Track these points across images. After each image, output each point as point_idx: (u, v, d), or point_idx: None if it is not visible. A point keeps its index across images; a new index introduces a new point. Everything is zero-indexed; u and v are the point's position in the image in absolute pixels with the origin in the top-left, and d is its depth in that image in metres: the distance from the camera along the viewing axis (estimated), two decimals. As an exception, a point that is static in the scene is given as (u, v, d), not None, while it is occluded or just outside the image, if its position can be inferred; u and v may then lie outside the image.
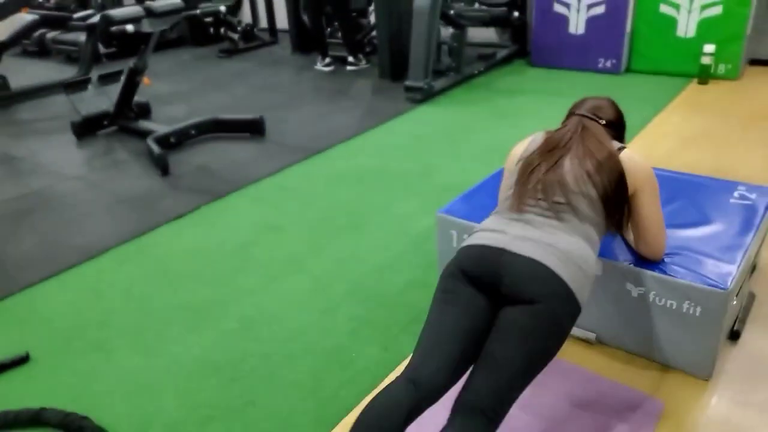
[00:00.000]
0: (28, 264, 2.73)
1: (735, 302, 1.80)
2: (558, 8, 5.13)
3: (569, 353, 1.97)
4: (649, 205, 1.73)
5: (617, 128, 1.86)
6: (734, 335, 2.01)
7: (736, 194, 2.20)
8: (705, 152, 3.38)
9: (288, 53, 6.49)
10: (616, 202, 1.66)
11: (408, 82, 4.61)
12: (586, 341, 2.02)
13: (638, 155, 1.73)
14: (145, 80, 4.05)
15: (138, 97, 4.49)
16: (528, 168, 1.69)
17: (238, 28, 6.71)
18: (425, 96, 4.58)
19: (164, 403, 1.88)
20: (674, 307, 1.81)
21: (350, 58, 5.71)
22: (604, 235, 1.69)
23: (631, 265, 1.84)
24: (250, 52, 6.67)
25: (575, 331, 2.03)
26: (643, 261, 1.85)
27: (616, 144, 1.73)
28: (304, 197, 3.21)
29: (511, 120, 4.16)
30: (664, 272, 1.80)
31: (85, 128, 4.21)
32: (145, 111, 4.49)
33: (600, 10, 4.94)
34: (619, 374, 1.89)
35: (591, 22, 5.03)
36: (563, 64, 5.26)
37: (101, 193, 3.42)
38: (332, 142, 3.94)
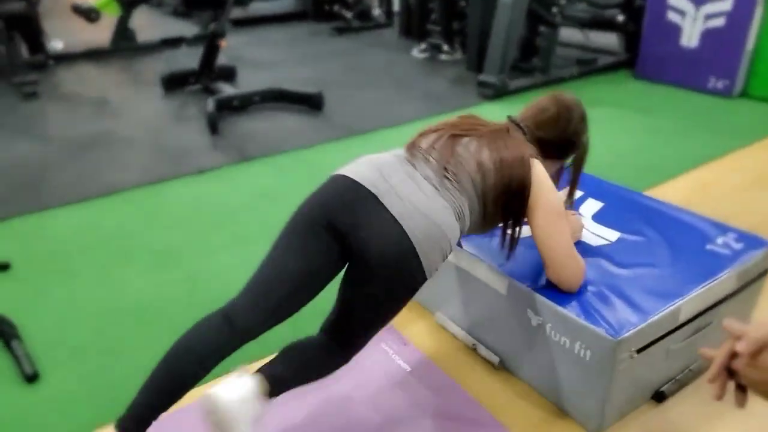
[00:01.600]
0: (58, 189, 3.09)
1: (636, 356, 1.57)
2: (672, 16, 4.63)
3: (468, 373, 1.86)
4: (542, 228, 1.58)
5: (557, 147, 1.72)
6: (659, 396, 1.76)
7: (719, 240, 1.90)
8: (762, 201, 2.91)
9: (396, 37, 6.54)
10: (502, 206, 1.56)
11: (481, 77, 4.46)
12: (490, 363, 1.89)
13: (545, 171, 1.59)
14: (222, 43, 4.33)
15: (225, 61, 4.83)
16: (433, 127, 1.64)
17: (352, 8, 6.88)
18: (497, 93, 4.40)
19: (83, 329, 2.07)
20: (567, 345, 1.63)
21: (445, 47, 5.62)
22: (477, 229, 1.62)
23: (531, 290, 1.69)
24: (362, 32, 6.82)
25: (482, 351, 1.91)
26: (553, 288, 1.68)
27: (531, 151, 1.61)
28: (320, 173, 3.27)
29: (576, 130, 3.87)
30: (561, 305, 1.62)
31: (172, 83, 4.61)
32: (229, 74, 4.80)
33: (719, 22, 4.39)
34: (504, 404, 1.75)
35: (707, 34, 4.48)
36: (669, 78, 4.75)
37: (152, 141, 3.75)
38: (381, 126, 3.96)
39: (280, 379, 1.41)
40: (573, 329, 1.60)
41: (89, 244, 2.60)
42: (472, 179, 1.52)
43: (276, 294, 1.41)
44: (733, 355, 0.99)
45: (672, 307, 1.61)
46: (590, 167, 1.93)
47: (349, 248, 1.41)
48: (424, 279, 1.45)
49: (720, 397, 1.00)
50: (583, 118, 1.75)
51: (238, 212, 2.87)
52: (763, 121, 3.99)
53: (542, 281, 1.71)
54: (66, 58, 5.47)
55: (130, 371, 1.76)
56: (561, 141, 1.72)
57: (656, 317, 1.58)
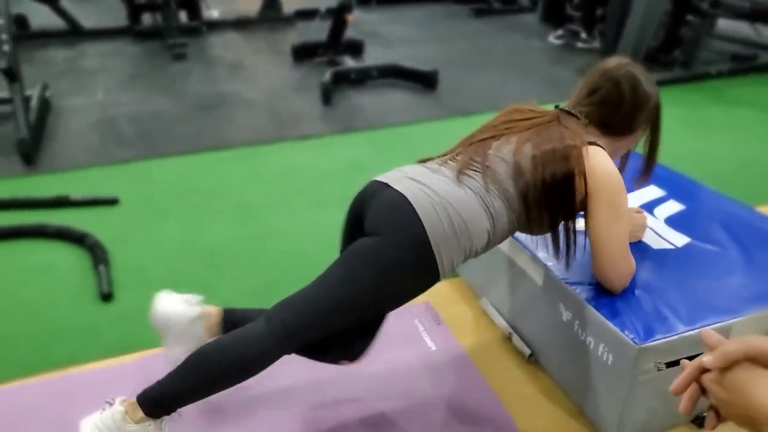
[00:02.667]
0: (176, 140, 3.42)
1: (665, 369, 1.43)
2: None
3: (497, 362, 1.81)
4: (599, 221, 1.45)
5: (620, 124, 1.54)
6: (699, 421, 1.59)
7: (808, 261, 1.66)
8: None
9: (537, 22, 6.30)
10: (547, 205, 1.43)
11: (609, 67, 4.17)
12: (521, 355, 1.82)
13: (607, 159, 1.46)
14: (349, 17, 4.46)
15: (355, 35, 4.98)
16: (467, 137, 1.59)
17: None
18: (624, 85, 4.09)
19: (160, 263, 2.31)
20: (592, 346, 1.53)
21: (583, 34, 5.32)
22: (520, 227, 1.49)
23: (564, 284, 1.59)
24: (502, 15, 6.64)
25: (516, 341, 1.84)
26: (591, 284, 1.57)
27: (585, 138, 1.47)
28: (417, 150, 3.30)
29: (707, 132, 3.52)
30: (590, 301, 1.52)
31: (302, 54, 4.85)
32: (356, 48, 4.94)
33: None
34: (525, 398, 1.69)
35: None
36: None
37: (269, 105, 3.99)
38: (491, 109, 3.85)
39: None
40: (598, 329, 1.49)
41: (187, 191, 2.86)
42: (511, 168, 1.42)
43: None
44: (704, 370, 0.89)
45: (719, 325, 1.45)
46: (705, 172, 1.74)
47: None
48: (431, 266, 1.33)
49: (687, 411, 0.91)
50: (639, 82, 1.52)
51: (326, 178, 2.99)
52: None
53: (580, 275, 1.61)
54: (217, 26, 5.96)
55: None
56: (623, 115, 1.53)
57: (694, 332, 1.42)
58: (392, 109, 3.94)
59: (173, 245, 2.42)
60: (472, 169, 1.44)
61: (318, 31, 4.84)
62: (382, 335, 1.51)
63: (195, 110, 3.89)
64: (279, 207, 2.73)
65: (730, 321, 1.46)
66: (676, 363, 1.45)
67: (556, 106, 1.59)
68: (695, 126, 3.64)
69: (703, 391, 0.91)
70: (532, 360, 1.80)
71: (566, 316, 1.61)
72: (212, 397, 1.40)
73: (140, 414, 1.32)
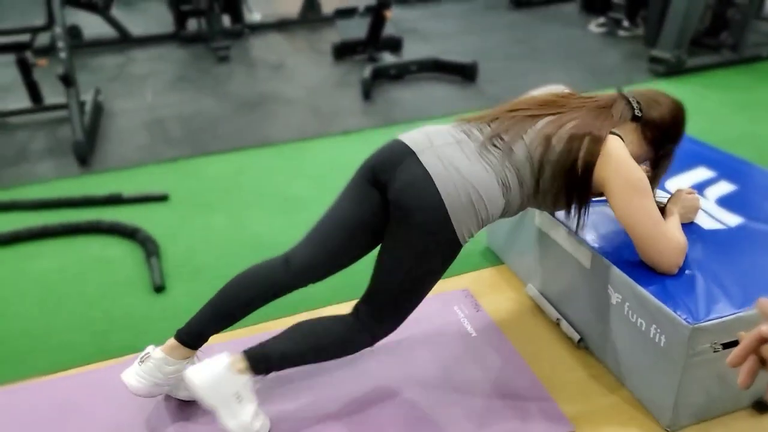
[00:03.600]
0: (221, 138, 3.50)
1: (721, 350, 1.39)
2: None
3: (546, 348, 1.79)
4: (620, 207, 1.47)
5: (656, 132, 1.57)
6: (761, 406, 1.54)
7: None
8: None
9: (577, 11, 6.19)
10: (564, 182, 1.46)
11: (654, 51, 4.07)
12: (571, 340, 1.80)
13: (620, 144, 1.47)
14: (388, 14, 4.47)
15: (395, 32, 4.99)
16: (517, 102, 1.59)
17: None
18: (670, 70, 3.99)
19: (207, 252, 2.37)
20: (643, 328, 1.51)
21: (625, 22, 5.19)
22: (536, 203, 1.54)
23: (612, 265, 1.57)
24: (541, 6, 6.54)
25: (564, 326, 1.82)
26: (640, 265, 1.55)
27: (616, 129, 1.52)
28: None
29: (760, 118, 3.39)
30: (641, 283, 1.49)
31: (342, 51, 4.89)
32: (395, 45, 4.95)
33: None
34: (575, 386, 1.66)
35: None
36: None
37: (310, 102, 4.04)
38: (532, 100, 3.83)
39: (270, 356, 1.45)
40: (650, 310, 1.46)
41: (233, 186, 2.93)
42: (531, 154, 1.45)
43: (330, 240, 1.52)
44: (764, 340, 0.86)
45: (778, 304, 1.40)
46: (756, 153, 1.70)
47: (387, 199, 1.44)
48: (454, 239, 1.39)
49: (745, 385, 0.88)
50: (683, 126, 1.62)
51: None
52: None
53: (628, 256, 1.58)
54: (259, 28, 6.06)
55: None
56: (663, 134, 1.57)
57: (750, 312, 1.38)
58: (432, 102, 3.93)
59: (222, 238, 2.49)
60: (497, 147, 1.46)
61: (357, 28, 4.87)
62: (424, 323, 1.52)
63: (239, 109, 3.98)
64: (324, 199, 2.70)
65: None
66: (733, 344, 1.42)
67: (618, 91, 1.62)
68: (746, 108, 3.51)
69: (762, 362, 0.88)
70: (582, 345, 1.78)
71: (615, 298, 1.59)
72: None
73: (243, 365, 1.43)
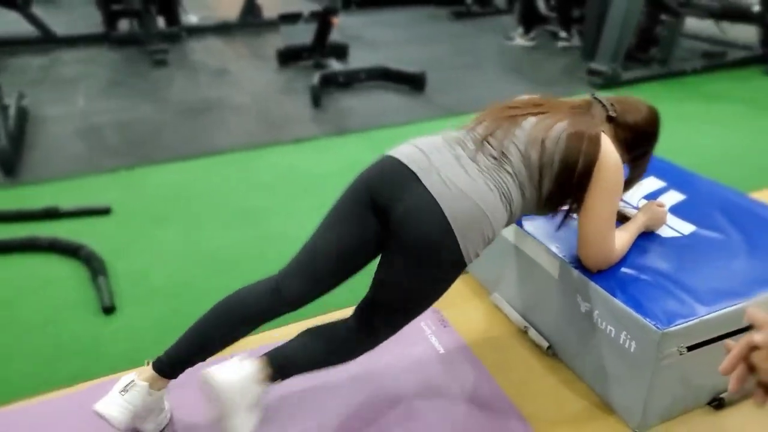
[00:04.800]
0: (166, 147, 3.37)
1: (686, 353, 1.46)
2: (823, 7, 4.12)
3: (514, 356, 1.81)
4: (595, 201, 1.48)
5: (629, 133, 1.60)
6: (717, 403, 1.61)
7: (815, 246, 1.70)
8: None
9: (515, 24, 6.38)
10: (564, 183, 1.45)
11: (592, 65, 4.25)
12: (539, 347, 1.83)
13: (613, 150, 1.49)
14: (334, 20, 4.46)
15: (340, 39, 4.97)
16: (497, 106, 1.58)
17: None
18: (607, 82, 4.17)
19: (161, 272, 2.26)
20: (613, 334, 1.55)
21: (562, 33, 5.40)
22: (533, 209, 1.52)
23: (582, 275, 1.61)
24: (480, 17, 6.72)
25: (532, 334, 1.85)
26: (606, 275, 1.59)
27: (604, 129, 1.54)
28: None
29: (690, 126, 3.59)
30: (609, 291, 1.54)
31: (287, 58, 4.83)
32: (341, 52, 4.93)
33: None
34: (545, 391, 1.69)
35: None
36: (815, 77, 4.24)
37: (258, 110, 3.97)
38: (481, 109, 3.88)
39: (289, 363, 1.43)
40: (619, 318, 1.51)
41: (183, 198, 2.82)
42: (527, 158, 1.43)
43: (320, 265, 1.45)
44: (754, 347, 0.90)
45: (734, 307, 1.48)
46: (694, 162, 1.80)
47: (387, 224, 1.40)
48: (461, 261, 1.37)
49: (735, 389, 0.91)
50: (658, 129, 1.67)
51: (326, 180, 2.97)
52: None
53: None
54: (197, 31, 5.91)
55: (194, 315, 1.90)
56: (638, 137, 1.61)
57: (713, 315, 1.45)
58: (383, 111, 3.94)
59: (174, 254, 2.38)
60: (491, 156, 1.44)
61: (302, 34, 4.82)
62: (390, 342, 1.51)
63: (182, 116, 3.84)
64: (280, 210, 2.70)
65: (744, 303, 1.49)
66: (696, 346, 1.48)
67: (593, 95, 1.65)
68: (681, 120, 3.71)
69: (751, 369, 0.92)
70: (550, 352, 1.81)
71: (584, 307, 1.63)
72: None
73: (268, 372, 1.39)
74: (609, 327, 1.55)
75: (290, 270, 1.48)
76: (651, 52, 4.48)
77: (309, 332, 1.47)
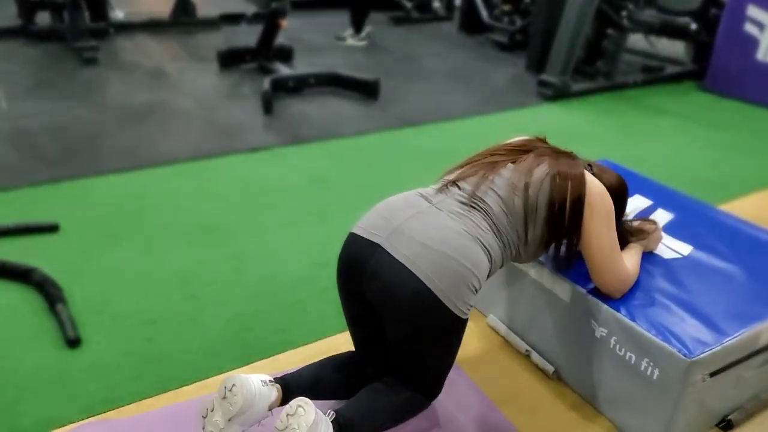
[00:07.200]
0: (111, 155, 3.10)
1: (708, 379, 1.46)
2: (749, 28, 4.40)
3: (518, 381, 1.77)
4: (593, 232, 1.48)
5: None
6: (726, 424, 1.64)
7: (804, 264, 1.77)
8: None
9: (456, 31, 6.43)
10: (555, 223, 1.44)
11: (543, 76, 4.33)
12: (543, 372, 1.79)
13: (597, 182, 1.52)
14: (282, 23, 4.30)
15: (284, 41, 4.79)
16: (485, 152, 1.54)
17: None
18: (557, 94, 4.26)
19: (126, 297, 2.05)
20: (633, 361, 1.53)
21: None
22: (522, 255, 1.49)
23: (598, 301, 1.58)
24: (421, 24, 6.71)
25: (535, 358, 1.81)
26: (623, 300, 1.58)
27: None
28: (373, 162, 3.22)
29: (640, 139, 3.72)
30: (630, 318, 1.52)
31: (229, 60, 4.60)
32: (286, 55, 4.76)
33: (800, 37, 4.16)
34: (556, 416, 1.66)
35: (786, 50, 4.26)
36: (741, 94, 4.52)
37: (206, 116, 3.74)
38: (437, 119, 3.87)
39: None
40: (641, 345, 1.49)
41: (137, 213, 2.59)
42: (510, 204, 1.40)
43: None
44: None
45: (752, 331, 1.49)
46: (651, 176, 1.83)
47: (372, 304, 1.38)
48: (456, 317, 1.30)
49: None
50: (627, 196, 1.73)
51: (289, 194, 2.83)
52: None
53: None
54: (126, 28, 5.52)
55: (172, 345, 1.74)
56: (613, 193, 1.59)
57: (734, 340, 1.46)
58: (338, 119, 3.82)
59: (137, 276, 2.17)
60: (467, 205, 1.39)
61: (244, 36, 4.61)
62: None
63: (121, 122, 3.55)
64: (245, 226, 2.53)
65: (760, 326, 1.51)
66: (717, 372, 1.49)
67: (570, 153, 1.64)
68: (628, 133, 3.84)
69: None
70: (555, 377, 1.78)
71: (600, 332, 1.60)
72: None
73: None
74: (629, 354, 1.53)
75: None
76: (597, 65, 4.63)
77: (370, 397, 1.42)
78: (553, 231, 1.46)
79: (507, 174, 1.44)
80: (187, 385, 1.66)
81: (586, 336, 1.64)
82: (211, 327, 1.91)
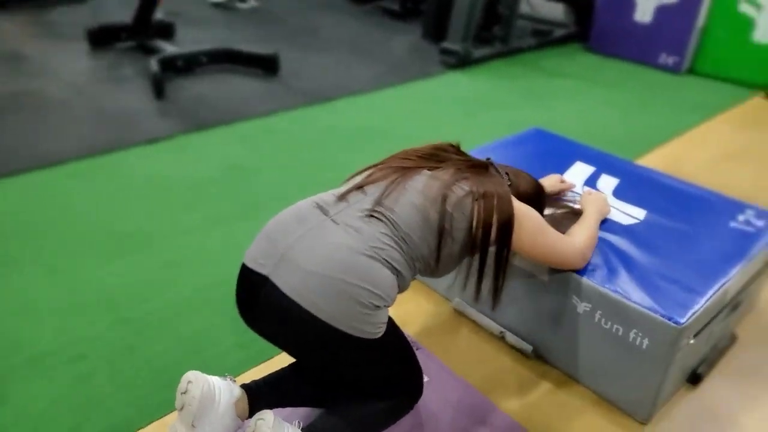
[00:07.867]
0: (-14, 161, 2.65)
1: (692, 341, 1.50)
2: (626, -10, 4.64)
3: (496, 364, 1.72)
4: (528, 247, 1.45)
5: (523, 201, 1.51)
6: (695, 378, 1.70)
7: (740, 217, 1.85)
8: (742, 173, 2.96)
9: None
10: (480, 242, 1.35)
11: (444, 44, 4.28)
12: (521, 352, 1.76)
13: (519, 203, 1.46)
14: (160, -2, 3.89)
15: (163, 17, 4.35)
16: (394, 156, 1.45)
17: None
18: (460, 61, 4.24)
19: (41, 329, 1.74)
20: (620, 333, 1.52)
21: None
22: (424, 269, 1.36)
23: (579, 276, 1.56)
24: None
25: (511, 339, 1.77)
26: (603, 272, 1.56)
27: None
28: (287, 145, 3.01)
29: (545, 102, 3.80)
30: (615, 291, 1.50)
31: (101, 38, 4.10)
32: (166, 31, 4.33)
33: (673, -2, 4.44)
34: (541, 394, 1.63)
35: (660, 11, 4.52)
36: (621, 53, 4.77)
37: (89, 105, 3.30)
38: (343, 93, 3.69)
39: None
40: (629, 316, 1.48)
41: (29, 228, 2.21)
42: (424, 215, 1.29)
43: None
44: None
45: (722, 288, 1.54)
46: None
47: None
48: (360, 338, 1.18)
49: None
50: (545, 200, 1.72)
51: (206, 187, 2.56)
52: (714, 96, 4.08)
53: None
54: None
55: (112, 381, 1.49)
56: (529, 203, 1.54)
57: (711, 300, 1.50)
58: (240, 98, 3.53)
59: (49, 301, 1.85)
60: (371, 215, 1.26)
61: (116, 10, 4.11)
62: None
63: (-16, 117, 3.04)
64: (168, 229, 2.25)
65: (727, 283, 1.56)
66: (698, 333, 1.53)
67: (488, 159, 1.57)
68: (529, 97, 3.91)
69: None
70: (533, 356, 1.75)
71: (583, 307, 1.58)
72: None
73: None
74: (615, 326, 1.52)
75: None
76: (494, 30, 4.66)
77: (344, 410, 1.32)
78: (475, 248, 1.37)
79: (422, 181, 1.34)
80: (142, 427, 1.44)
81: (567, 312, 1.62)
82: (154, 353, 1.66)
